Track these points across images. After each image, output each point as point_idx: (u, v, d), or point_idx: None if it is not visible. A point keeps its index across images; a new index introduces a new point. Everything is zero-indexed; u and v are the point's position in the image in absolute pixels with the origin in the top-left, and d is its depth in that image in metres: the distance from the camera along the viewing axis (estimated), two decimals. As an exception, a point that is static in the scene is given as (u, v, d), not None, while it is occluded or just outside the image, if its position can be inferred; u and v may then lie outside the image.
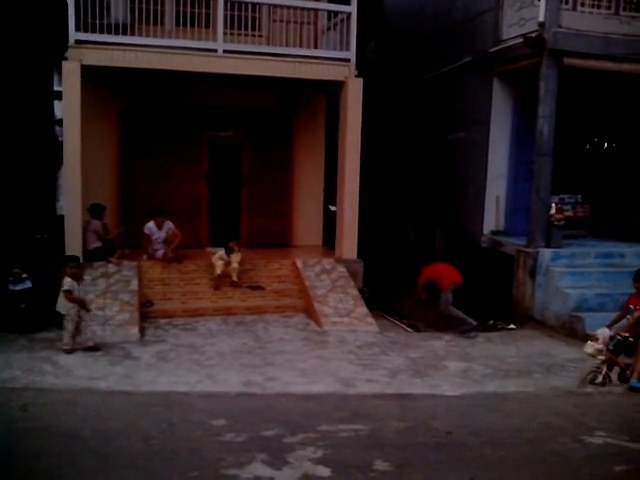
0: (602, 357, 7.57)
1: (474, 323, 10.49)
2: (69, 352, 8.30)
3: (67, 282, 8.43)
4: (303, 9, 11.85)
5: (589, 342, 7.81)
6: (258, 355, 8.54)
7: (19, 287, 9.46)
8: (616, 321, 7.87)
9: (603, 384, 7.43)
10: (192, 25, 11.01)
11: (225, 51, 11.10)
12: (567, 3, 10.81)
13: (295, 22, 11.79)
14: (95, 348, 8.46)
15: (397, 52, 16.91)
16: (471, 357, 8.77)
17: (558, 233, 10.97)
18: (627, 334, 7.54)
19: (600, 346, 7.60)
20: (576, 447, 5.62)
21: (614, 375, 7.58)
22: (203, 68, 11.03)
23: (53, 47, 13.30)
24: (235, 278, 11.17)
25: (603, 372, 7.48)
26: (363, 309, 10.71)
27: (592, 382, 7.48)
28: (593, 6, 10.95)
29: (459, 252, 13.54)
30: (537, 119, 10.76)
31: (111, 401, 6.62)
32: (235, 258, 11.23)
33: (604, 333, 7.64)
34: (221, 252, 11.23)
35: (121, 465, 4.98)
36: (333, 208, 13.20)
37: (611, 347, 7.47)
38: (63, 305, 8.44)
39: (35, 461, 4.97)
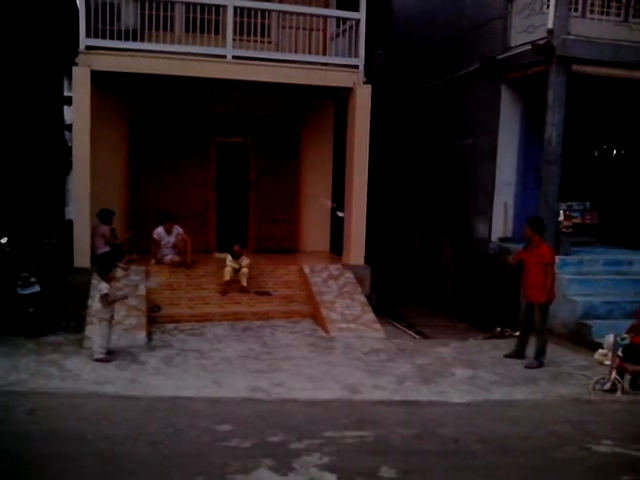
0: (608, 362, 7.54)
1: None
2: (105, 361, 8.14)
3: (105, 287, 8.40)
4: (312, 16, 11.90)
5: (599, 350, 7.79)
6: (265, 361, 8.54)
7: (27, 291, 9.50)
8: (633, 328, 7.82)
9: (612, 390, 7.39)
10: (202, 31, 11.07)
11: (234, 57, 11.14)
12: (576, 10, 10.79)
13: (304, 28, 11.83)
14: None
15: (405, 59, 16.93)
16: (478, 364, 8.74)
17: (566, 240, 10.94)
18: (629, 338, 7.54)
19: (604, 351, 7.58)
20: (583, 456, 5.58)
21: (626, 383, 7.52)
22: (212, 74, 11.07)
23: (63, 53, 13.42)
24: (244, 283, 11.19)
25: (612, 378, 7.44)
26: (370, 315, 10.70)
27: (601, 389, 7.44)
28: (602, 13, 10.93)
29: (467, 259, 13.52)
30: (545, 126, 10.74)
31: (118, 405, 6.62)
32: (245, 263, 11.25)
33: (608, 338, 7.62)
34: (229, 257, 11.26)
35: (127, 469, 4.98)
36: (341, 214, 13.21)
37: (620, 353, 7.44)
38: (100, 310, 8.36)
39: (41, 465, 4.98)
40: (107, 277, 8.53)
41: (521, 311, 9.03)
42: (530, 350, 8.97)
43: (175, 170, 12.82)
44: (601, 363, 7.64)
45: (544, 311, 8.77)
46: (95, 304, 8.43)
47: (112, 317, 8.51)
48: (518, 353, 9.00)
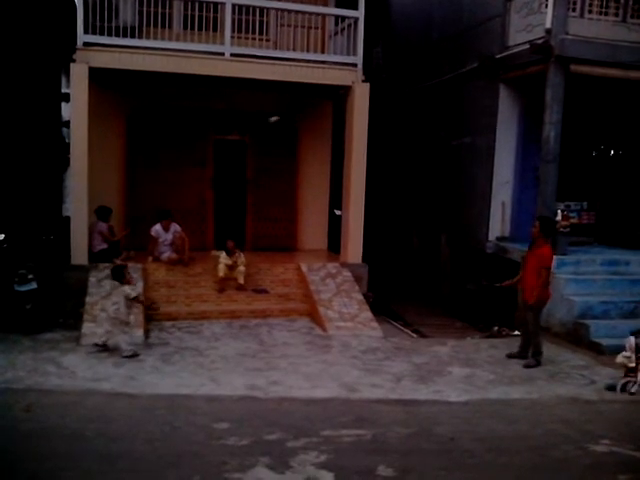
0: (632, 364, 7.55)
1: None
2: (135, 355, 8.31)
3: (131, 289, 8.59)
4: (311, 14, 11.87)
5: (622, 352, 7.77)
6: (262, 359, 8.54)
7: (24, 288, 9.47)
8: None
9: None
10: (200, 29, 11.04)
11: (232, 55, 11.12)
12: (574, 10, 10.80)
13: (303, 26, 11.80)
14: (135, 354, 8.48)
15: (404, 57, 16.93)
16: (475, 363, 8.75)
17: (563, 240, 10.94)
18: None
19: (628, 353, 7.59)
20: (580, 455, 5.60)
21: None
22: (210, 71, 11.05)
23: (61, 49, 13.37)
24: (241, 281, 11.18)
25: (638, 380, 7.47)
26: (367, 314, 10.69)
27: (629, 391, 7.47)
28: (600, 13, 10.94)
29: (464, 258, 13.54)
30: (543, 125, 10.74)
31: (115, 403, 6.63)
32: (241, 260, 11.24)
33: (630, 340, 7.63)
34: (223, 254, 11.25)
35: (124, 467, 4.99)
36: (338, 212, 13.21)
37: None
38: (123, 313, 8.49)
39: (39, 462, 4.99)
40: (125, 280, 8.66)
41: (518, 311, 9.01)
42: (504, 354, 9.09)
43: (173, 167, 12.80)
44: (625, 366, 7.63)
45: (536, 312, 8.73)
46: (119, 304, 8.47)
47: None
48: (521, 354, 8.94)
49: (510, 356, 9.02)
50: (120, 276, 8.71)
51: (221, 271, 11.10)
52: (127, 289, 8.56)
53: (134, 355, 8.31)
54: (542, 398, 7.37)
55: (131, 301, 8.56)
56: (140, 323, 9.47)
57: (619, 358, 7.70)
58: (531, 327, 8.74)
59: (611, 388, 7.59)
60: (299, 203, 13.86)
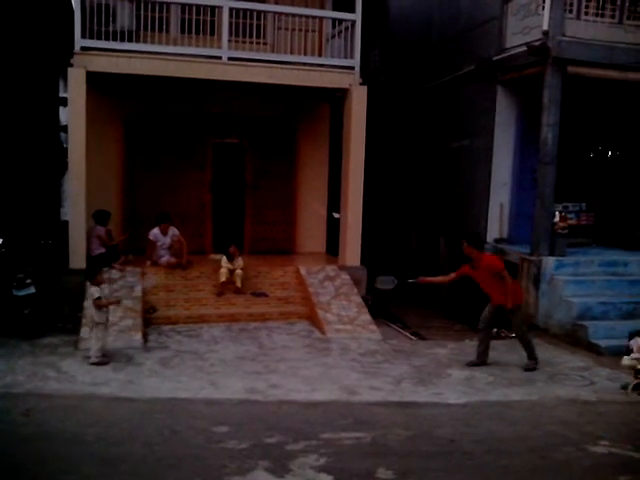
0: None
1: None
2: (102, 364, 8.09)
3: (96, 290, 8.34)
4: (308, 17, 11.91)
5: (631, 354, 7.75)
6: (261, 362, 8.53)
7: (23, 292, 9.46)
8: None
9: None
10: (197, 32, 11.07)
11: (230, 58, 11.13)
12: (571, 12, 10.83)
13: (300, 30, 11.83)
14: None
15: (401, 60, 16.95)
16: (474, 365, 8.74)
17: (562, 241, 10.96)
18: None
19: (637, 354, 7.58)
20: (580, 456, 5.61)
21: None
22: (208, 75, 11.06)
23: (59, 54, 13.39)
24: (239, 284, 11.17)
25: None
26: (366, 316, 10.70)
27: (636, 390, 7.48)
28: (597, 15, 10.96)
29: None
30: (541, 127, 10.76)
31: (114, 407, 6.63)
32: (238, 264, 11.25)
33: (637, 342, 7.64)
34: (223, 259, 11.25)
35: (124, 471, 4.99)
36: (337, 215, 13.20)
37: None
38: (95, 314, 8.28)
39: (38, 466, 4.98)
40: (95, 280, 8.46)
41: (484, 314, 8.82)
42: (503, 356, 9.05)
43: (171, 171, 12.79)
44: (634, 368, 7.61)
45: (517, 315, 8.61)
46: (90, 308, 8.41)
47: (107, 320, 8.48)
48: (481, 359, 8.73)
49: (471, 364, 8.71)
50: (91, 275, 8.52)
51: (223, 276, 11.09)
52: (93, 290, 8.35)
53: (101, 363, 8.08)
54: (541, 399, 7.37)
55: (95, 302, 8.27)
56: (138, 327, 9.47)
57: (627, 361, 7.65)
58: (518, 331, 8.69)
59: (625, 387, 7.60)
60: (297, 206, 13.86)
